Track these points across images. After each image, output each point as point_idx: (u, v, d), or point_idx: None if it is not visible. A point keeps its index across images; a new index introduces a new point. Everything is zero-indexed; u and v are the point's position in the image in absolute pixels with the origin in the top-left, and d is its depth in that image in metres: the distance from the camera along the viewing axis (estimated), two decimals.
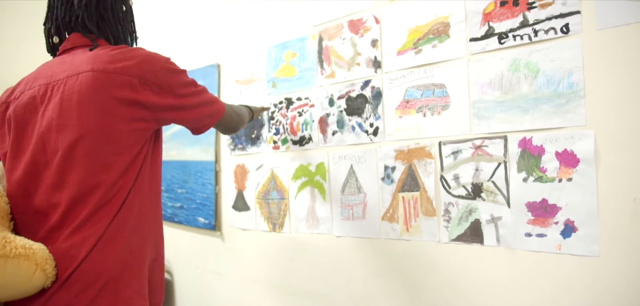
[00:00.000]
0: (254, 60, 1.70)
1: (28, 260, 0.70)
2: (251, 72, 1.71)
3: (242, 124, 1.21)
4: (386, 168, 1.31)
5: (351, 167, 1.39)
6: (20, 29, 2.37)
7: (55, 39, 0.91)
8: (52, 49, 0.94)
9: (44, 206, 0.80)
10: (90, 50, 0.85)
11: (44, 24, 0.94)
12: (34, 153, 0.81)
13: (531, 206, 1.06)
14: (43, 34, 0.95)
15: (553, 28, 1.02)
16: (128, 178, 0.83)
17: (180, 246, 2.08)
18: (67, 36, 0.91)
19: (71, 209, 0.78)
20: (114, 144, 0.80)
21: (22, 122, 0.84)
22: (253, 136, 1.70)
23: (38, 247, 0.73)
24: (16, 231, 0.81)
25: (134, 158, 0.84)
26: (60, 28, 0.91)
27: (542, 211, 1.04)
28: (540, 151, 1.04)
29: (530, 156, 1.05)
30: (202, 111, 0.95)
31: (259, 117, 1.67)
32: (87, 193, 0.78)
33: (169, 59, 0.88)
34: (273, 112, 1.62)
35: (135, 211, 0.85)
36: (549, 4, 1.02)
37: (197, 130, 0.99)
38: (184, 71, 0.91)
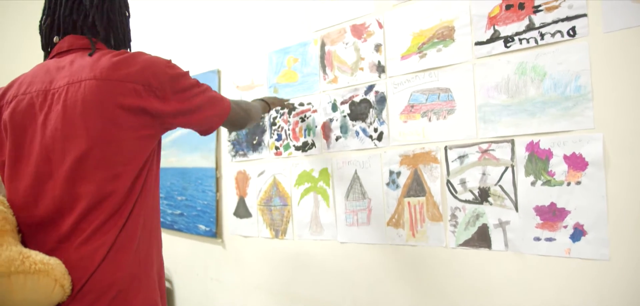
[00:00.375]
0: (254, 65, 1.69)
1: (47, 276, 0.68)
2: (252, 78, 1.70)
3: (250, 120, 1.14)
4: (391, 173, 1.30)
5: (355, 172, 1.38)
6: (19, 29, 2.34)
7: (55, 39, 0.87)
8: (48, 47, 0.89)
9: (51, 216, 0.77)
10: (90, 55, 0.81)
11: (42, 20, 0.89)
12: (38, 163, 0.78)
13: (539, 210, 1.05)
14: (38, 31, 0.90)
15: (559, 31, 1.01)
16: (136, 186, 0.82)
17: (180, 253, 2.05)
18: (63, 35, 0.86)
19: (82, 220, 0.76)
20: (122, 153, 0.79)
21: (20, 129, 0.81)
22: (254, 142, 1.68)
23: (55, 262, 0.71)
24: (23, 243, 0.78)
25: (142, 166, 0.83)
26: (61, 26, 0.86)
27: (551, 215, 1.03)
28: (548, 154, 1.03)
29: (538, 159, 1.05)
30: (208, 112, 0.93)
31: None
32: (98, 204, 0.77)
33: (170, 62, 0.85)
34: (275, 118, 1.61)
35: (142, 220, 0.84)
36: (555, 7, 1.02)
37: (205, 131, 0.97)
38: (187, 73, 0.88)
